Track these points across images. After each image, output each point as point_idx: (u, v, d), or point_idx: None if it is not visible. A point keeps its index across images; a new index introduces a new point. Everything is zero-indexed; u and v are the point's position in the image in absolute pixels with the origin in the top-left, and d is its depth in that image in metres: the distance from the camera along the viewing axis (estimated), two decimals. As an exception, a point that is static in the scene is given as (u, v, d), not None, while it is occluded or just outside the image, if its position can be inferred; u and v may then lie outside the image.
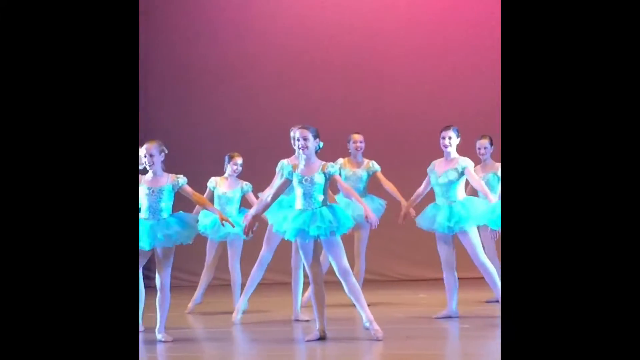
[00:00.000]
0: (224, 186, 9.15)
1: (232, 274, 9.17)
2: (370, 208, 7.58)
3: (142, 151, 7.36)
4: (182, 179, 7.42)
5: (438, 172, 8.20)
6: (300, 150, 7.20)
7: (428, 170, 8.30)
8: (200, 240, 7.79)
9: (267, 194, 7.97)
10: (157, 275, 7.44)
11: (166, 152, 7.42)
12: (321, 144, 7.22)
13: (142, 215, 7.39)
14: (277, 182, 8.05)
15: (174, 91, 12.40)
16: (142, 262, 7.44)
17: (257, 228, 8.32)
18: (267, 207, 7.47)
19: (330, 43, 12.23)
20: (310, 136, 7.16)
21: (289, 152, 8.18)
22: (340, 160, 9.23)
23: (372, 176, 9.25)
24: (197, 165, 11.12)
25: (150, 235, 7.27)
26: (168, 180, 7.40)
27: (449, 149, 8.20)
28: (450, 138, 8.19)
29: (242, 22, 12.35)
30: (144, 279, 11.10)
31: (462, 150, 8.32)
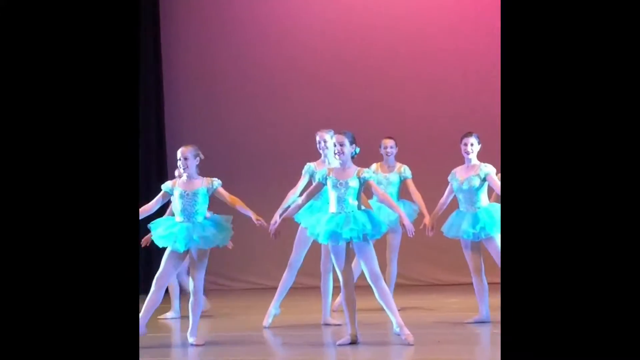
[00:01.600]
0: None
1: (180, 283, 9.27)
2: (404, 213, 7.58)
3: (178, 155, 7.41)
4: (216, 182, 7.45)
5: (460, 179, 8.20)
6: (337, 156, 7.21)
7: (449, 178, 8.30)
8: (234, 242, 7.81)
9: (293, 196, 8.00)
10: (190, 279, 7.46)
11: (202, 157, 7.46)
12: (358, 150, 7.24)
13: (177, 218, 7.43)
14: (302, 183, 8.09)
15: (202, 94, 12.42)
16: (177, 266, 7.46)
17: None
18: (298, 209, 7.50)
19: (360, 45, 12.21)
20: (346, 142, 7.17)
21: (318, 153, 8.23)
22: (373, 166, 9.24)
23: (402, 182, 9.25)
24: (229, 169, 11.16)
25: (186, 237, 7.30)
26: (203, 184, 7.43)
27: (470, 156, 8.21)
28: (472, 145, 8.21)
29: (272, 24, 12.36)
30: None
31: (484, 155, 8.30)
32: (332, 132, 8.00)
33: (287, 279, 8.42)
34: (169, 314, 9.22)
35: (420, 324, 8.07)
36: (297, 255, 8.37)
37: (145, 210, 7.51)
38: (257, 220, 7.33)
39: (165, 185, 7.51)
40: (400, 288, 10.18)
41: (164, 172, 11.75)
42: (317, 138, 8.25)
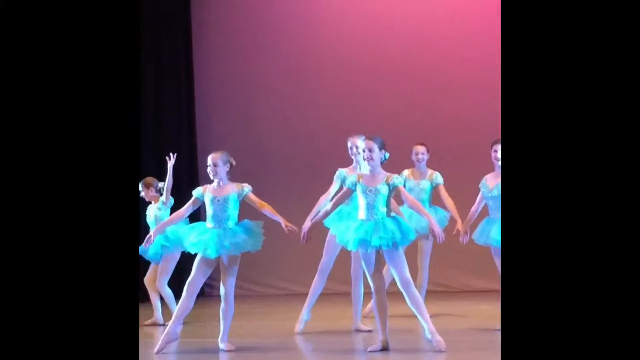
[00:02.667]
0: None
1: (163, 293, 9.31)
2: (434, 220, 7.56)
3: (208, 161, 7.43)
4: (247, 188, 7.45)
5: (490, 185, 8.17)
6: (366, 162, 7.19)
7: (480, 185, 8.28)
8: (265, 247, 7.80)
9: (324, 202, 7.98)
10: (221, 285, 7.47)
11: (233, 163, 7.46)
12: (387, 155, 7.22)
13: (208, 223, 7.44)
14: (334, 189, 8.08)
15: (234, 101, 12.45)
16: (208, 272, 7.46)
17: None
18: (327, 215, 7.49)
19: (393, 50, 12.19)
20: (375, 147, 7.15)
21: (349, 159, 8.23)
22: (405, 172, 9.23)
23: (434, 188, 9.24)
24: (260, 175, 11.18)
25: (217, 243, 7.30)
26: (233, 189, 7.44)
27: (500, 162, 8.19)
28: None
29: (303, 31, 12.36)
30: (206, 287, 11.25)
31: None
32: (363, 138, 7.99)
33: (317, 284, 8.42)
34: (149, 321, 9.32)
35: (451, 331, 8.04)
36: (328, 260, 8.36)
37: (177, 217, 7.55)
38: (287, 226, 7.33)
39: (197, 191, 7.52)
40: (432, 294, 10.15)
41: (196, 178, 11.79)
42: (349, 144, 8.25)
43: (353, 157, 8.22)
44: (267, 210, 7.44)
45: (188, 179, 11.82)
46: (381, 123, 11.51)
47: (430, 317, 7.35)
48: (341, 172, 8.20)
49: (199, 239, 7.37)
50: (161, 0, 12.02)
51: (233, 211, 7.43)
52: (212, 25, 12.43)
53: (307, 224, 7.64)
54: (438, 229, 7.19)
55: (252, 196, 7.45)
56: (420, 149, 9.35)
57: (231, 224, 7.41)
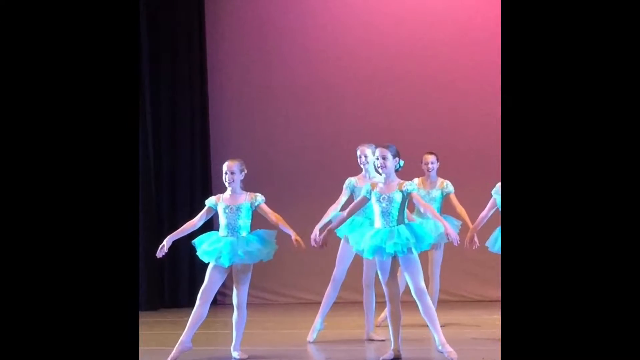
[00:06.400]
0: None
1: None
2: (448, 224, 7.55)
3: (224, 168, 7.47)
4: (259, 197, 7.48)
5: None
6: (380, 170, 7.21)
7: (492, 192, 8.25)
8: (278, 256, 7.82)
9: (333, 211, 7.99)
10: (234, 293, 7.50)
11: (246, 172, 7.52)
12: (402, 163, 7.23)
13: (221, 232, 7.48)
14: (344, 198, 8.08)
15: (247, 113, 12.49)
16: (221, 279, 7.49)
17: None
18: (342, 222, 7.51)
19: (405, 63, 12.22)
20: (389, 155, 7.17)
21: (358, 168, 8.25)
22: (416, 180, 9.21)
23: (445, 197, 9.23)
24: (272, 186, 11.22)
25: (230, 252, 7.34)
26: (246, 199, 7.47)
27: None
28: None
29: (315, 43, 12.40)
30: (219, 296, 11.28)
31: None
32: (373, 147, 8.00)
33: (330, 293, 8.44)
34: None
35: (463, 341, 8.04)
36: (340, 269, 8.37)
37: (190, 226, 7.57)
38: (296, 240, 7.36)
39: (209, 201, 7.56)
40: (445, 304, 10.15)
41: (209, 188, 11.83)
42: (358, 152, 8.27)
43: (362, 166, 8.23)
44: (279, 222, 7.45)
45: (201, 189, 11.87)
46: (391, 132, 11.51)
47: (443, 326, 7.35)
48: (350, 181, 8.22)
49: (212, 248, 7.40)
50: (176, 12, 12.09)
51: (246, 220, 7.47)
52: (226, 37, 12.47)
53: (315, 232, 7.67)
54: (453, 232, 7.17)
55: (265, 206, 7.48)
56: (430, 158, 9.33)
57: (244, 233, 7.44)
